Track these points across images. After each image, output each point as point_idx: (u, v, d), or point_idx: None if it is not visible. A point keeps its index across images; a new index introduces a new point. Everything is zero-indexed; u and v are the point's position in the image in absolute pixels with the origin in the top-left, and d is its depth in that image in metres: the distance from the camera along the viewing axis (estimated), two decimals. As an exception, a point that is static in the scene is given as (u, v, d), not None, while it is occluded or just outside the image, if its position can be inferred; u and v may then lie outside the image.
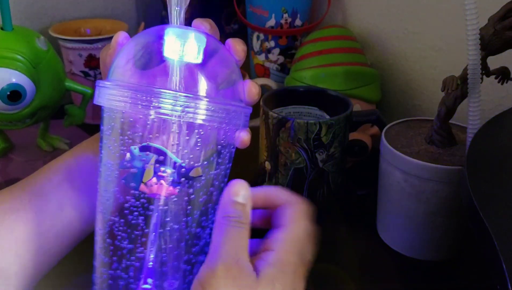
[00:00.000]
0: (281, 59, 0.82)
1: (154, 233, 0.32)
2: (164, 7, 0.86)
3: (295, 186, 0.54)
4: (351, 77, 0.66)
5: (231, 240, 0.30)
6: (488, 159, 0.37)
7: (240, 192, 0.32)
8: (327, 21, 0.85)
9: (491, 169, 0.36)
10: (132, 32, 0.89)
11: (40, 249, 0.38)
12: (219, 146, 0.33)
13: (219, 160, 0.33)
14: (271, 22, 0.78)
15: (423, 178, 0.47)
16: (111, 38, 0.74)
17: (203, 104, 0.29)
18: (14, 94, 0.56)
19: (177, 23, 0.33)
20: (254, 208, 0.33)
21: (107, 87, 0.30)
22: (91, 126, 0.78)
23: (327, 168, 0.53)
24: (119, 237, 0.32)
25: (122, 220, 0.32)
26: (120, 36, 0.35)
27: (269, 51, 0.81)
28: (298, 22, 0.79)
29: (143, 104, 0.29)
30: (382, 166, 0.52)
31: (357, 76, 0.67)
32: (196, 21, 0.36)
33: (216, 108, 0.30)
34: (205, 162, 0.32)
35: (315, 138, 0.51)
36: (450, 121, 0.49)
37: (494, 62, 0.45)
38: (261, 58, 0.82)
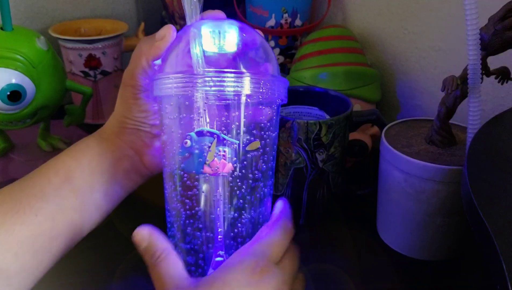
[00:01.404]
0: (281, 59, 0.82)
1: (219, 209, 0.34)
2: (164, 7, 0.86)
3: (295, 186, 0.54)
4: (351, 77, 0.66)
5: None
6: (488, 159, 0.37)
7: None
8: (327, 21, 0.85)
9: (491, 169, 0.36)
10: (132, 32, 0.89)
11: (40, 249, 0.38)
12: (267, 118, 0.35)
13: (268, 131, 0.36)
14: (271, 22, 0.78)
15: (423, 178, 0.47)
16: (111, 38, 0.76)
17: (248, 79, 0.32)
18: (14, 94, 0.56)
19: (194, 19, 0.35)
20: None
21: (165, 78, 0.33)
22: (91, 126, 0.78)
23: (327, 168, 0.53)
24: (189, 219, 0.35)
25: (188, 203, 0.35)
26: (173, 30, 0.37)
27: (269, 51, 0.81)
28: (298, 22, 0.79)
29: (198, 85, 0.32)
30: (382, 166, 0.52)
31: (357, 76, 0.67)
32: (211, 12, 0.37)
33: (261, 81, 0.33)
34: (257, 135, 0.35)
35: (315, 138, 0.51)
36: (450, 121, 0.49)
37: (494, 62, 0.45)
38: (261, 58, 0.83)
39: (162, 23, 0.89)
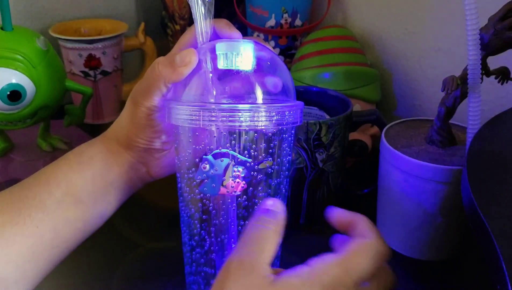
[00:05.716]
0: (281, 59, 0.82)
1: (233, 225, 0.35)
2: (164, 7, 0.86)
3: (295, 186, 0.54)
4: (351, 77, 0.66)
5: (252, 241, 0.30)
6: (488, 159, 0.37)
7: (274, 203, 0.33)
8: (327, 21, 0.85)
9: (491, 169, 0.36)
10: (132, 32, 0.88)
11: (41, 259, 0.37)
12: (280, 140, 0.36)
13: (283, 151, 0.37)
14: (271, 22, 0.78)
15: (423, 178, 0.47)
16: (111, 38, 0.76)
17: (263, 113, 0.33)
18: (14, 94, 0.56)
19: (203, 36, 0.36)
20: (337, 231, 0.34)
21: (181, 109, 0.34)
22: (91, 126, 0.78)
23: (327, 168, 0.53)
24: (205, 236, 0.37)
25: (204, 220, 0.36)
26: (196, 56, 0.36)
27: (269, 51, 0.81)
28: (298, 22, 0.79)
29: (212, 119, 0.33)
30: (382, 166, 0.52)
31: (357, 76, 0.67)
32: (220, 26, 0.37)
33: (276, 112, 0.34)
34: (270, 154, 0.36)
35: (315, 138, 0.51)
36: (450, 121, 0.49)
37: (494, 62, 0.45)
38: (261, 58, 0.82)
39: (162, 23, 0.89)
